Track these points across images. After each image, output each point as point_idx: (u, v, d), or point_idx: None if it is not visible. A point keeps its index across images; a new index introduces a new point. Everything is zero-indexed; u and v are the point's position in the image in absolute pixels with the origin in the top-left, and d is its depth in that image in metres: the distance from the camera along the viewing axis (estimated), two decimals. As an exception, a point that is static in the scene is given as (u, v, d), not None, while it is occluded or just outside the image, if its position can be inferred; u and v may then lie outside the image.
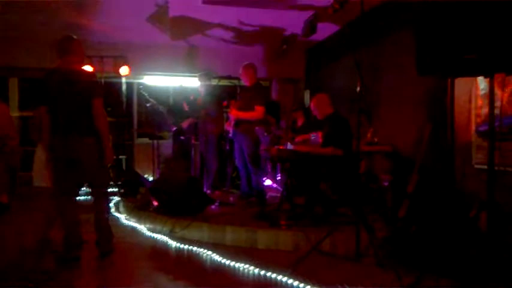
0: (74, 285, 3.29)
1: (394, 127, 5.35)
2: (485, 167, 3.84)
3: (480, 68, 2.88)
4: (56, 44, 3.79)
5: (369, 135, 5.26)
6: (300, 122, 6.85)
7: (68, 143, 3.65)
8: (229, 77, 5.78)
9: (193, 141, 6.24)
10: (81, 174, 3.80)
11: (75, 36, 3.87)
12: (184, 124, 6.47)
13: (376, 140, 5.24)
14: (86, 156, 3.71)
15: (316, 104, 4.83)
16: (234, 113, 5.35)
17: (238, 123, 5.37)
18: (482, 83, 4.06)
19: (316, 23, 6.24)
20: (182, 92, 7.08)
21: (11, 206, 5.84)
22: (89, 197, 5.87)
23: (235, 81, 6.14)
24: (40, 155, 4.13)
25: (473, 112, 4.13)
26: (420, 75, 3.02)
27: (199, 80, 6.08)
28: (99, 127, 3.73)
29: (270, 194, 6.15)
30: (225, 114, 5.81)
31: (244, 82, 5.51)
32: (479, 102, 4.09)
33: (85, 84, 3.74)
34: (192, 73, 6.33)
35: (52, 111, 3.70)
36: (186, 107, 6.34)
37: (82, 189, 6.00)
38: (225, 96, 6.19)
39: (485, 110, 3.98)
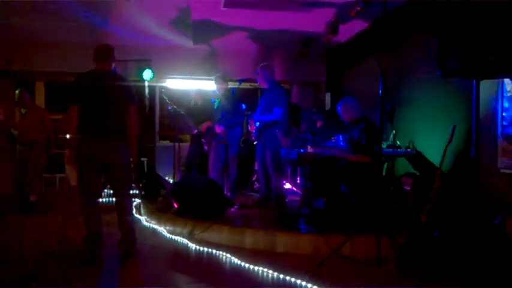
0: (95, 285, 3.33)
1: (417, 130, 5.26)
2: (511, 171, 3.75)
3: (506, 69, 2.80)
4: (96, 49, 3.89)
5: (391, 138, 5.18)
6: (319, 124, 6.81)
7: (99, 145, 3.71)
8: (250, 80, 5.77)
9: (213, 144, 6.24)
10: (108, 176, 3.87)
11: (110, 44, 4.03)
12: (203, 127, 6.49)
13: (398, 143, 5.16)
14: (115, 159, 3.77)
15: (344, 108, 4.77)
16: (255, 118, 5.37)
17: (261, 127, 5.37)
18: (509, 84, 3.94)
19: (338, 25, 6.19)
20: (203, 95, 7.11)
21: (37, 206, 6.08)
22: (112, 199, 6.03)
23: (256, 84, 6.13)
24: (68, 156, 4.21)
25: (499, 115, 4.02)
26: (443, 77, 2.95)
27: (216, 82, 6.10)
28: (131, 133, 3.83)
29: (289, 197, 6.13)
30: (244, 118, 5.80)
31: (261, 84, 5.50)
32: (506, 104, 3.98)
33: (121, 89, 3.84)
34: (213, 76, 6.37)
35: (85, 112, 3.73)
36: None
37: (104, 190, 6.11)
38: (242, 99, 6.18)
39: (511, 113, 3.88)
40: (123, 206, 3.92)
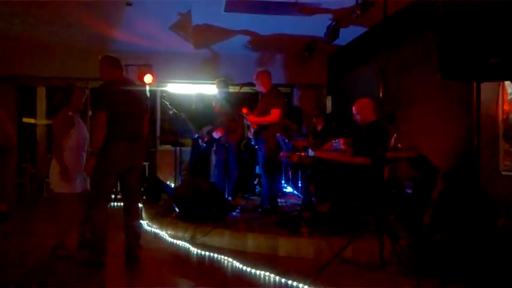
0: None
1: (418, 132, 5.26)
2: (514, 173, 3.75)
3: (506, 72, 2.79)
4: (109, 58, 3.96)
5: (392, 141, 5.17)
6: (319, 127, 6.81)
7: (131, 150, 3.77)
8: (251, 84, 5.78)
9: (213, 148, 6.25)
10: (126, 180, 3.92)
11: None
12: (204, 131, 6.49)
13: (400, 145, 5.15)
14: (140, 161, 3.96)
15: (359, 109, 4.72)
16: (251, 119, 5.37)
17: (258, 130, 5.37)
18: (510, 87, 3.95)
19: (339, 28, 6.21)
20: (204, 99, 7.14)
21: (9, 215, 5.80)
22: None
23: (257, 88, 6.14)
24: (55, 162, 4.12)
25: (500, 117, 4.02)
26: (443, 79, 2.95)
27: (217, 87, 6.12)
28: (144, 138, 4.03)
29: (291, 201, 6.13)
30: (245, 121, 5.80)
31: (259, 89, 5.51)
32: (507, 107, 3.98)
33: (145, 96, 4.11)
34: (215, 80, 6.39)
35: (117, 118, 3.72)
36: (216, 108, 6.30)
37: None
38: (243, 103, 6.18)
39: (513, 115, 3.88)
40: (133, 211, 3.98)
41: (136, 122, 3.89)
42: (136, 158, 3.88)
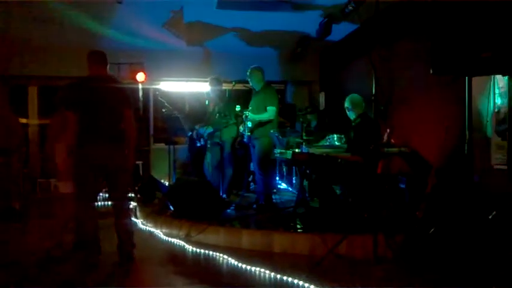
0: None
1: (411, 128, 5.27)
2: (505, 167, 3.78)
3: (497, 66, 2.82)
4: (92, 54, 3.86)
5: (385, 136, 5.19)
6: (313, 124, 6.82)
7: (102, 149, 3.67)
8: (244, 81, 5.78)
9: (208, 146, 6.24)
10: (107, 179, 3.84)
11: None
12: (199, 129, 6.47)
13: (393, 141, 5.16)
14: (116, 161, 3.75)
15: (349, 105, 4.78)
16: (250, 117, 5.37)
17: (253, 127, 5.37)
18: (501, 81, 3.97)
19: (331, 25, 6.22)
20: (199, 97, 7.13)
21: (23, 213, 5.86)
22: (107, 202, 6.00)
23: (251, 85, 6.14)
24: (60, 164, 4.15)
25: (492, 111, 4.04)
26: (435, 75, 2.97)
27: (209, 84, 6.11)
28: (129, 137, 3.81)
29: (285, 197, 6.14)
30: (239, 119, 5.80)
31: (253, 86, 5.52)
32: (498, 101, 4.00)
33: (117, 93, 3.83)
34: (208, 78, 6.38)
35: (86, 117, 3.66)
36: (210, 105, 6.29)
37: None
38: (237, 100, 6.18)
39: (504, 109, 3.90)
40: (121, 209, 3.90)
41: (111, 120, 3.73)
42: (116, 158, 3.74)
